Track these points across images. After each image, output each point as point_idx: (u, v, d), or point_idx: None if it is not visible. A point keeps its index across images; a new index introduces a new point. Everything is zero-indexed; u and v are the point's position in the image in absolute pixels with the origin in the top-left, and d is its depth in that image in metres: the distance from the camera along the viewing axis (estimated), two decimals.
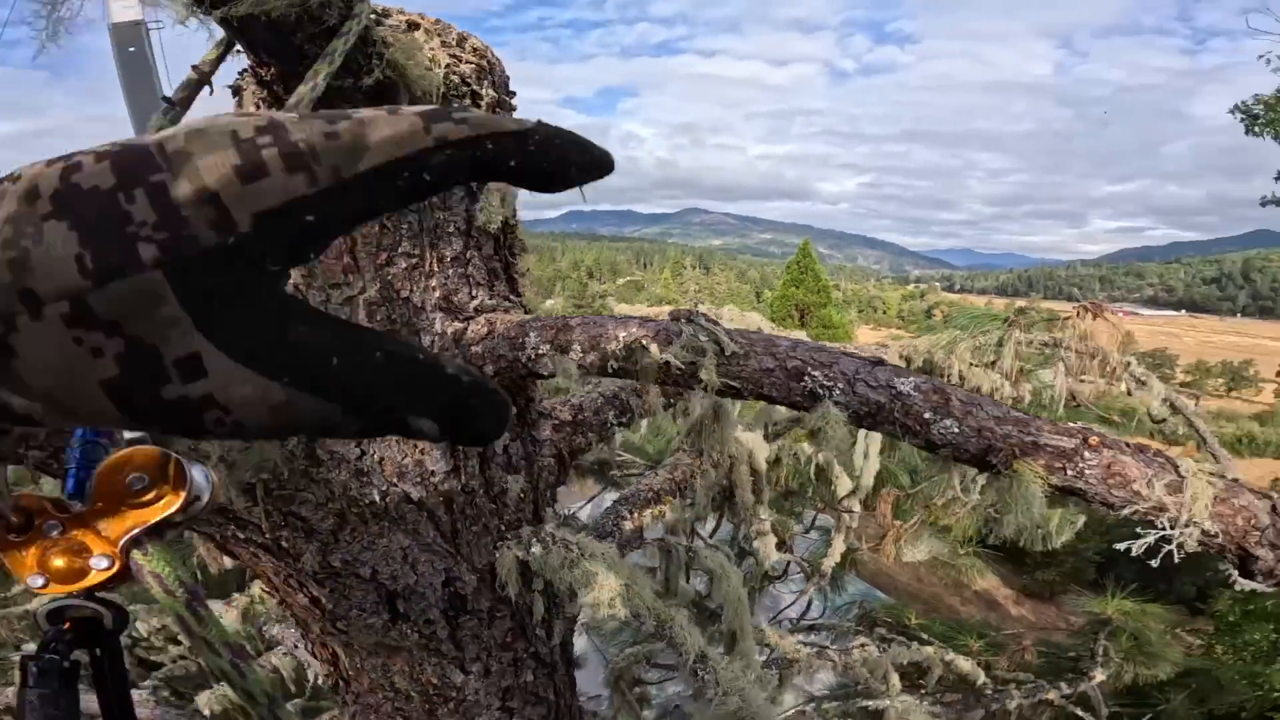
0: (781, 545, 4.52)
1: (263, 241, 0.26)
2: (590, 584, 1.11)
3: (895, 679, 3.40)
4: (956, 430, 0.81)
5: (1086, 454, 0.78)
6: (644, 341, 0.89)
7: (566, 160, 0.29)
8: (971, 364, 1.65)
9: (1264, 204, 5.87)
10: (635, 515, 1.88)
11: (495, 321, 1.03)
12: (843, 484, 3.20)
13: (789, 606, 4.74)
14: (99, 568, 0.45)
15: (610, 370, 0.92)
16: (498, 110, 1.15)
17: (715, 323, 0.85)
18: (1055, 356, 1.77)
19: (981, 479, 0.92)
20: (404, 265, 1.00)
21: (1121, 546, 0.85)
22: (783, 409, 2.92)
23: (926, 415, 0.81)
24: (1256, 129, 5.62)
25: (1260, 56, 5.54)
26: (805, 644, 3.50)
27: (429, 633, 1.29)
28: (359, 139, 0.26)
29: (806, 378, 0.86)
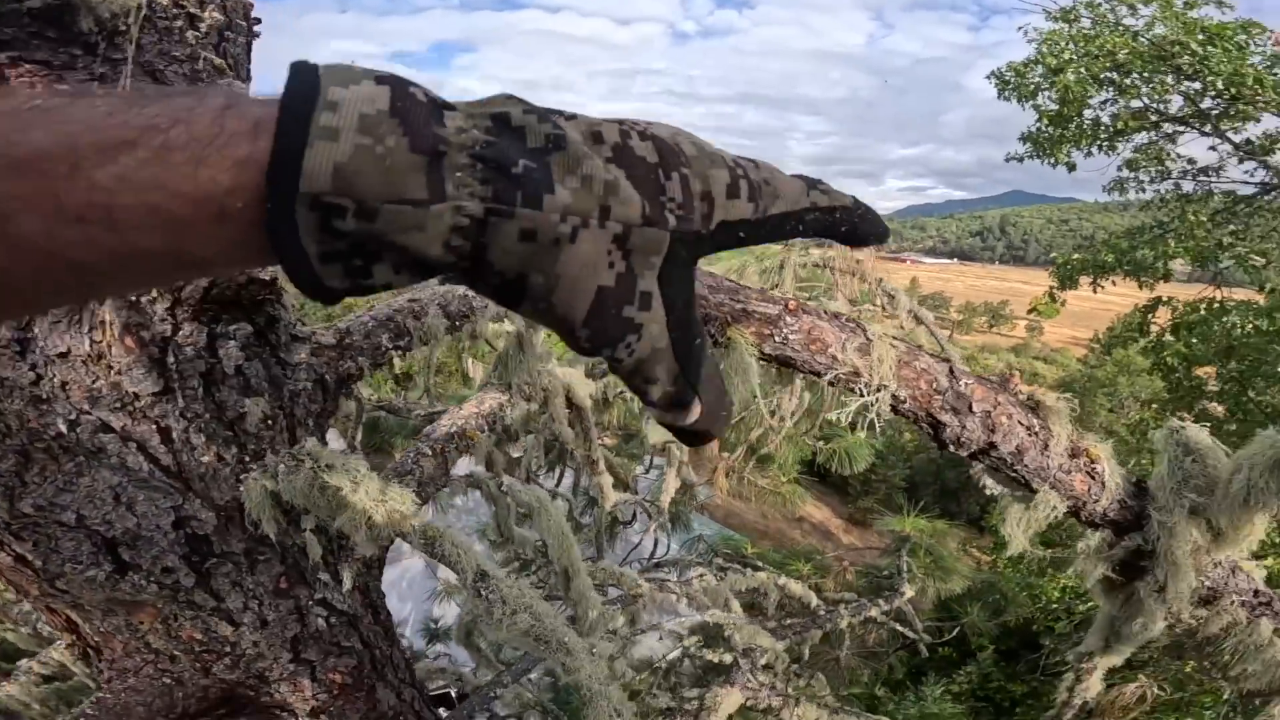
0: (624, 487, 4.63)
1: (715, 239, 0.35)
2: (343, 506, 1.03)
3: (737, 605, 3.60)
4: None
5: (788, 318, 0.83)
6: None
7: (871, 231, 0.40)
8: (761, 287, 1.74)
9: (1008, 160, 6.86)
10: (437, 451, 1.80)
11: None
12: None
13: (636, 547, 4.90)
14: None
15: None
16: (226, 35, 1.05)
17: None
18: (830, 283, 1.91)
19: (793, 401, 0.95)
20: None
21: (833, 416, 0.92)
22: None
23: None
24: (1006, 94, 6.49)
25: (1019, 28, 6.36)
26: (649, 580, 3.62)
27: (170, 582, 1.15)
28: (775, 190, 0.37)
29: None
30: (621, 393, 3.21)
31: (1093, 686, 1.45)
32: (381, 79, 0.29)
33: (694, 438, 0.41)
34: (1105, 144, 6.50)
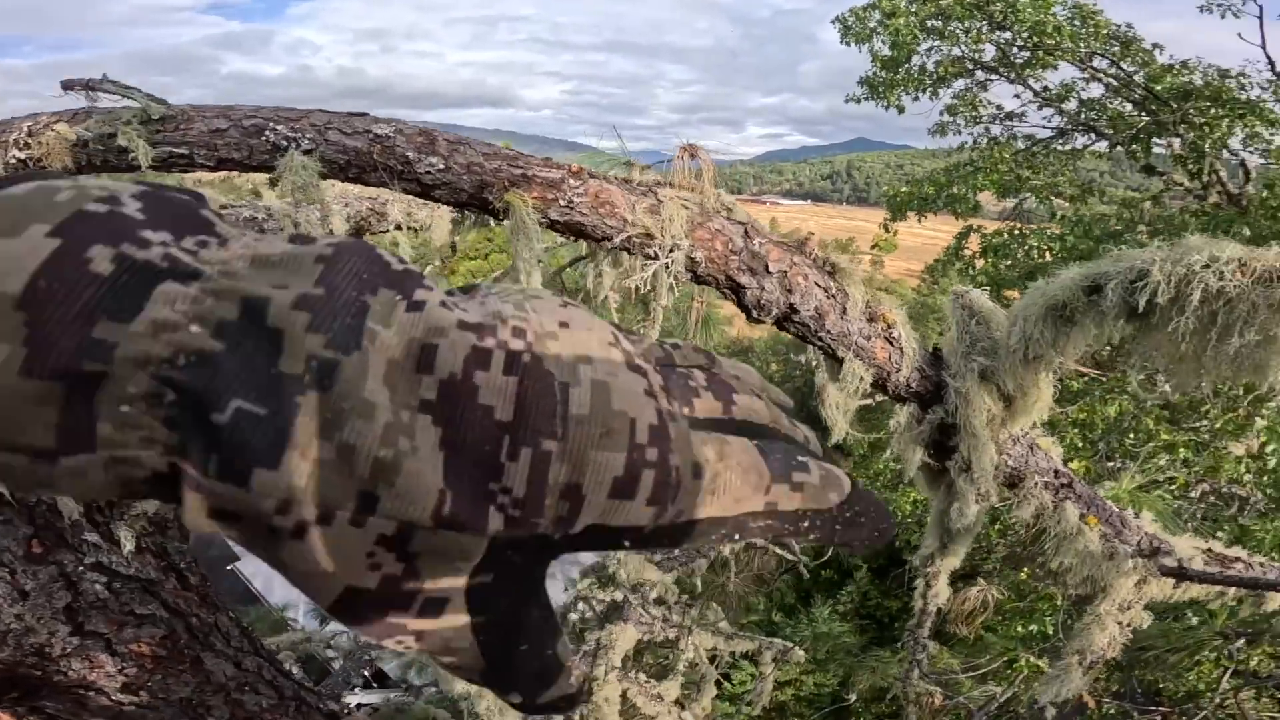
0: None
1: (576, 543, 0.24)
2: None
3: None
4: (444, 168, 0.73)
5: (572, 181, 0.76)
6: (53, 126, 0.65)
7: (861, 540, 0.30)
8: None
9: (847, 101, 7.29)
10: None
11: None
12: None
13: None
14: None
15: (15, 164, 0.67)
16: None
17: (134, 88, 0.65)
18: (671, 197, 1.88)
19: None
20: None
21: (630, 283, 0.87)
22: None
23: (410, 155, 0.72)
24: (848, 39, 6.85)
25: None
26: None
27: None
28: (713, 483, 0.25)
29: (269, 132, 0.71)
30: None
31: (942, 592, 1.54)
32: (59, 227, 0.19)
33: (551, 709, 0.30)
34: (930, 90, 7.03)
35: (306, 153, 0.71)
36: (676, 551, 3.84)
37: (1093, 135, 6.91)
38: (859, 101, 7.24)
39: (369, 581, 0.22)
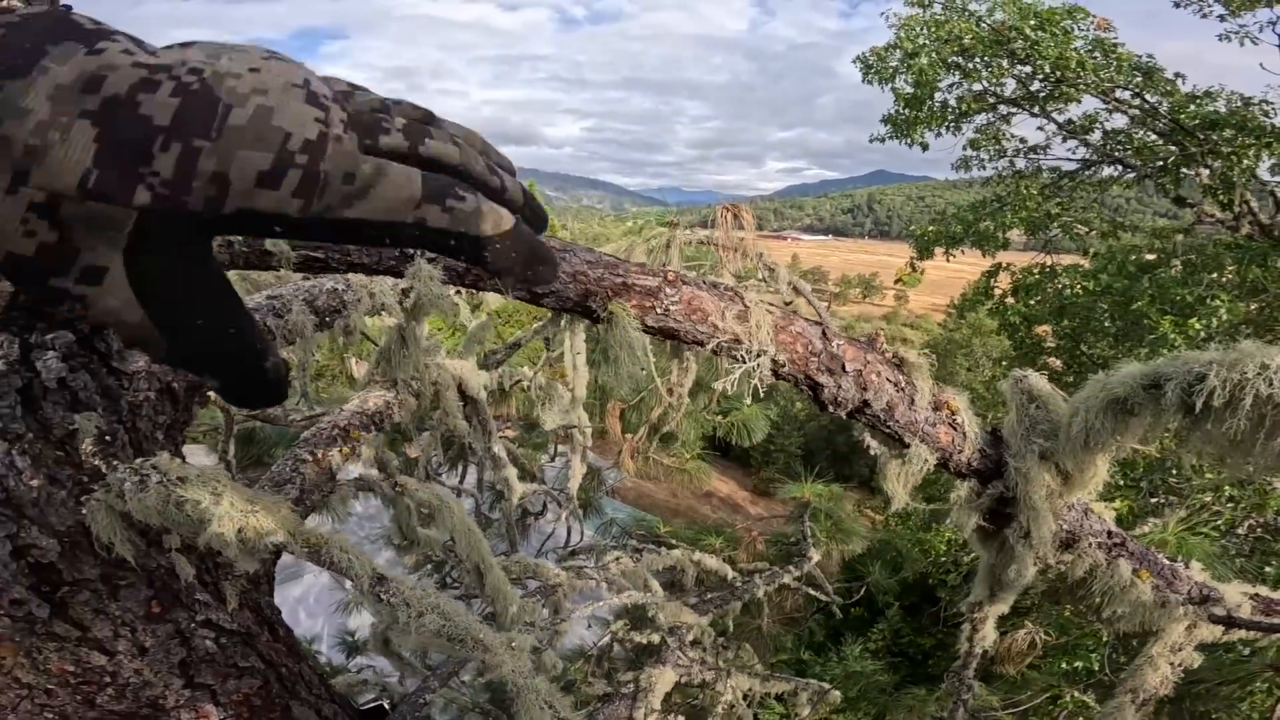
0: (530, 478, 4.55)
1: (229, 224, 0.31)
2: (205, 519, 0.93)
3: (656, 585, 3.64)
4: None
5: (668, 290, 0.83)
6: None
7: (511, 268, 0.36)
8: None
9: (871, 141, 7.37)
10: (318, 456, 1.69)
11: None
12: (559, 400, 3.27)
13: (549, 537, 4.85)
14: None
15: None
16: None
17: None
18: (716, 259, 1.96)
19: (664, 381, 0.94)
20: None
21: (719, 385, 0.94)
22: (493, 338, 2.84)
23: None
24: (869, 78, 6.95)
25: (881, 14, 6.79)
26: (566, 568, 3.60)
27: (22, 615, 1.01)
28: (363, 191, 0.31)
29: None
30: (519, 382, 3.16)
31: (988, 635, 1.56)
32: None
33: (245, 398, 0.37)
34: (952, 125, 7.10)
35: (430, 261, 0.79)
36: (711, 594, 3.85)
37: (1119, 167, 6.90)
38: (883, 140, 7.33)
39: (27, 248, 0.28)
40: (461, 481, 4.68)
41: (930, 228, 7.62)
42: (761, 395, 0.92)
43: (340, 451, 1.79)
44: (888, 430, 0.96)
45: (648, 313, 0.84)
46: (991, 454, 1.03)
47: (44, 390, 0.93)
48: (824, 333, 0.96)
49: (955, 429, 0.99)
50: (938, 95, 6.97)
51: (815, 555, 4.20)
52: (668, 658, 2.74)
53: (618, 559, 3.81)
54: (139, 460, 0.99)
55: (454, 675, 3.47)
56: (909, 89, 6.92)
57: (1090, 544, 1.17)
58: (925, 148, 7.23)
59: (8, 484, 0.95)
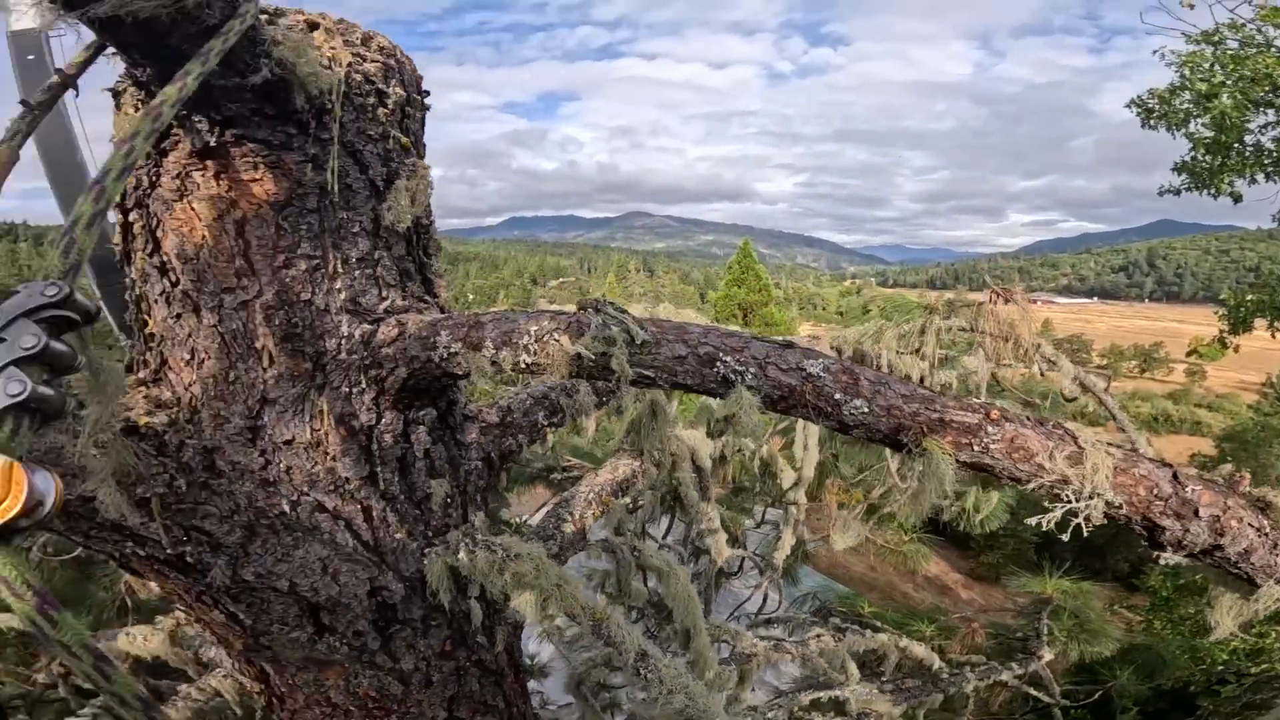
0: (734, 541, 4.54)
1: None
2: (522, 585, 1.08)
3: (853, 667, 3.45)
4: (867, 410, 0.81)
5: (989, 428, 0.80)
6: (555, 335, 0.87)
7: None
8: (898, 351, 1.69)
9: (1162, 194, 6.28)
10: (576, 517, 1.86)
11: (406, 322, 0.99)
12: (787, 476, 3.23)
13: (746, 601, 4.78)
14: None
15: (523, 366, 0.90)
16: (407, 110, 1.11)
17: (624, 311, 0.84)
18: (974, 341, 1.82)
19: (896, 460, 0.93)
20: (304, 267, 0.95)
21: (1032, 521, 0.87)
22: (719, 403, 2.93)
23: (837, 396, 0.82)
24: (1152, 122, 6.00)
25: (1154, 52, 5.91)
26: (763, 638, 3.53)
27: (359, 644, 1.24)
28: None
29: (719, 363, 0.86)
30: (740, 450, 3.20)
31: None
32: None
33: None
34: (1272, 170, 5.84)
35: (749, 388, 0.84)
36: (909, 682, 3.47)
37: None
38: (1176, 192, 6.27)
39: None
40: (665, 536, 4.80)
41: (1250, 296, 6.20)
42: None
43: (593, 514, 1.94)
44: (1236, 571, 0.81)
45: (963, 449, 0.81)
46: None
47: (414, 459, 1.16)
48: (1175, 476, 0.84)
49: None
50: (1248, 138, 5.82)
51: (1047, 654, 3.65)
52: None
53: (818, 636, 3.61)
54: (479, 529, 1.18)
55: None
56: (1208, 133, 5.87)
57: None
58: (1238, 199, 6.02)
59: (378, 535, 1.19)
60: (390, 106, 1.08)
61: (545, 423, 1.44)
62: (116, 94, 0.98)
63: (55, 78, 0.88)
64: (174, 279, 0.92)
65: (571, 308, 0.97)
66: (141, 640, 2.38)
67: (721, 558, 3.84)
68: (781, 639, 3.74)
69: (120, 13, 0.68)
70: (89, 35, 0.79)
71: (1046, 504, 0.85)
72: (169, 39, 0.77)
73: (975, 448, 0.80)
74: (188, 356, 0.94)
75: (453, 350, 0.93)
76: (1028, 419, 0.82)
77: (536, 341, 0.87)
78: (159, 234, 0.93)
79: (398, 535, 1.16)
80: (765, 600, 4.65)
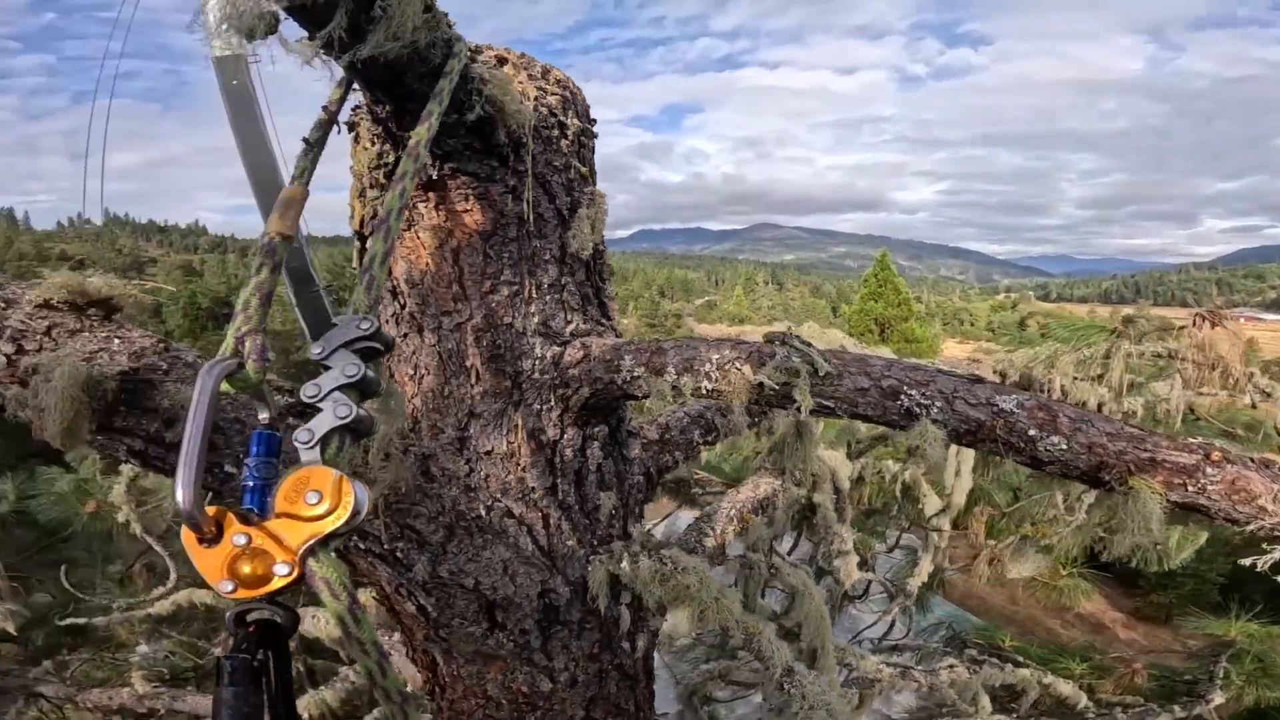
0: (863, 565, 4.39)
1: None
2: (682, 597, 1.13)
3: (985, 701, 3.27)
4: (1065, 447, 0.79)
5: (1209, 470, 0.75)
6: (737, 364, 0.92)
7: None
8: (1075, 378, 1.56)
9: None
10: (717, 532, 1.89)
11: (590, 345, 1.08)
12: (931, 502, 3.08)
13: (870, 627, 4.60)
14: (281, 574, 0.51)
15: (704, 391, 0.95)
16: (582, 139, 1.19)
17: (809, 345, 0.87)
18: (1170, 369, 1.66)
19: (1090, 496, 0.89)
20: (506, 293, 1.07)
21: (1246, 563, 0.81)
22: (863, 427, 2.85)
23: (1032, 433, 0.80)
24: None
25: None
26: (887, 664, 3.41)
27: (523, 642, 1.35)
28: None
29: (903, 396, 0.86)
30: (879, 472, 3.09)
31: None
32: None
33: None
34: None
35: (934, 421, 0.84)
36: None
37: None
38: None
39: None
40: (790, 552, 4.71)
41: None
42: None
43: (734, 529, 1.97)
44: None
45: (1175, 489, 0.76)
46: None
47: (587, 472, 1.25)
48: None
49: None
50: None
51: (1217, 698, 3.22)
52: None
53: (951, 666, 3.38)
54: (636, 540, 1.25)
55: None
56: None
57: None
58: None
59: (553, 541, 1.29)
60: (570, 137, 1.17)
61: (700, 440, 1.49)
62: (353, 126, 1.14)
63: (321, 114, 1.02)
64: (402, 302, 1.07)
65: (729, 330, 1.01)
66: (322, 623, 2.66)
67: (850, 580, 3.73)
68: (909, 666, 3.59)
69: (375, 54, 0.80)
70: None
71: (1265, 546, 0.78)
72: (405, 77, 0.89)
73: (1190, 488, 0.76)
74: (411, 372, 1.09)
75: (636, 374, 1.00)
76: (1250, 460, 0.76)
77: (718, 369, 0.92)
78: (389, 260, 1.08)
79: (569, 542, 1.26)
80: (892, 626, 4.45)
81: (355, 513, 0.53)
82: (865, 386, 0.88)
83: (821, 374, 0.88)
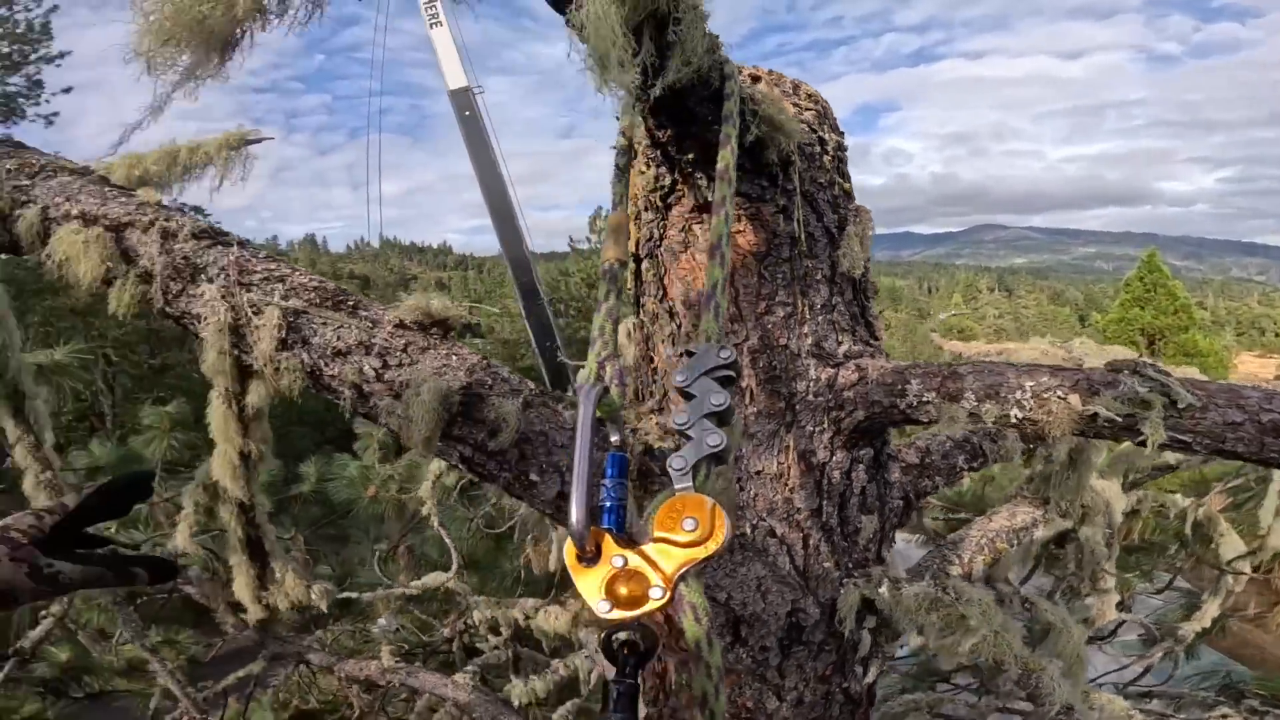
0: (1120, 604, 3.84)
1: None
2: (955, 627, 1.04)
3: None
4: None
5: None
6: (1059, 392, 0.82)
7: None
8: None
9: None
10: (964, 561, 1.73)
11: (866, 368, 1.04)
12: (1228, 543, 2.54)
13: (1117, 670, 4.03)
14: (655, 597, 0.54)
15: (1012, 421, 0.86)
16: (839, 154, 1.14)
17: (1166, 373, 0.75)
18: None
19: None
20: (781, 314, 1.06)
21: None
22: (1146, 459, 2.43)
23: None
24: None
25: None
26: (1140, 710, 2.94)
27: (761, 659, 1.34)
28: None
29: None
30: (1163, 506, 2.61)
31: None
32: None
33: None
34: None
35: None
36: None
37: None
38: None
39: None
40: (1021, 584, 4.22)
41: None
42: None
43: (983, 560, 1.79)
44: None
45: None
46: None
47: (851, 495, 1.21)
48: None
49: None
50: None
51: None
52: None
53: (1225, 717, 3.00)
54: (885, 558, 1.18)
55: None
56: None
57: None
58: None
59: (809, 562, 1.26)
60: (830, 152, 1.14)
61: (965, 466, 1.37)
62: (629, 149, 1.20)
63: (621, 140, 1.06)
64: (679, 323, 1.11)
65: (980, 347, 0.90)
66: (553, 618, 2.83)
67: (1104, 619, 3.27)
68: (1165, 714, 3.11)
69: (675, 80, 0.81)
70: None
71: None
72: (688, 101, 0.91)
73: None
74: None
75: (925, 399, 0.94)
76: None
77: (1034, 398, 0.83)
78: (666, 281, 1.13)
79: (826, 564, 1.22)
80: (1145, 672, 3.84)
81: (727, 541, 0.54)
82: (1238, 420, 0.74)
83: (1181, 406, 0.75)
